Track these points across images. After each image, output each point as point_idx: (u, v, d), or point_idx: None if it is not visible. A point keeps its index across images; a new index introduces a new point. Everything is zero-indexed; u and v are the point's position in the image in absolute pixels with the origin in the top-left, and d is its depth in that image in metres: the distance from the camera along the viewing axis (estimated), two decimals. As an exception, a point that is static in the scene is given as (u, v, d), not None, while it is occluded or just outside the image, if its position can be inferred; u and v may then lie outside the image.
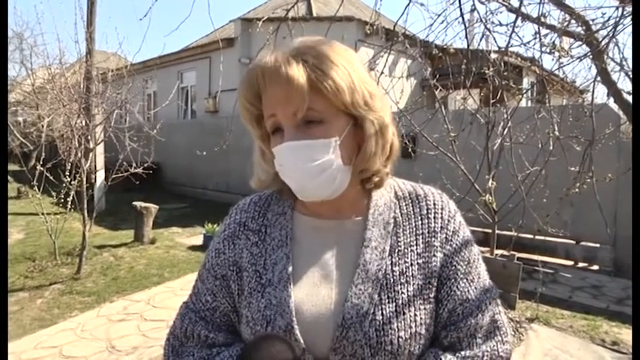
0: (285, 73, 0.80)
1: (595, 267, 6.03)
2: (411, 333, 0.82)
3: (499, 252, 4.76)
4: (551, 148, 4.13)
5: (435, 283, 0.88)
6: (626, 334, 3.96)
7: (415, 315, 0.84)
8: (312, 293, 0.87)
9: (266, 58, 0.84)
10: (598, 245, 6.03)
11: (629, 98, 2.54)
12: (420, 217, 0.93)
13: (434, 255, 0.89)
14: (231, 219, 1.01)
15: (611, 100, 2.93)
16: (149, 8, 3.05)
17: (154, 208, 7.14)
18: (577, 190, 3.66)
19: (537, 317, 4.27)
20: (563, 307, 4.61)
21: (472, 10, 3.51)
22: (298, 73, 0.80)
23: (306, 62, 0.81)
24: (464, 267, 0.90)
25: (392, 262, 0.87)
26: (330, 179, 0.84)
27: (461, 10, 3.29)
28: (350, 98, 0.83)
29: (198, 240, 7.17)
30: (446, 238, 0.91)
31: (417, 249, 0.89)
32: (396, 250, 0.89)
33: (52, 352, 3.70)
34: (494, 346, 0.87)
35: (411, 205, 0.95)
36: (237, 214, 1.00)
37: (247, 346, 0.83)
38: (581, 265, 6.16)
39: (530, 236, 5.87)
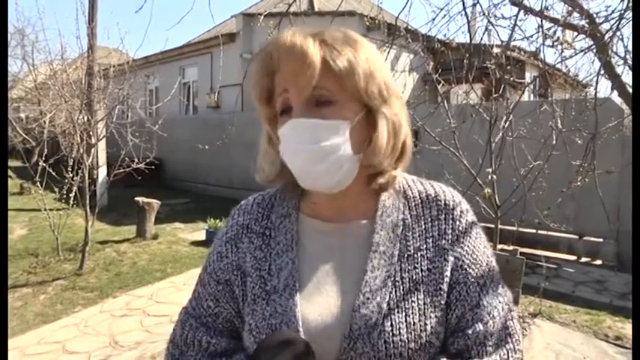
0: (299, 47, 0.78)
1: (598, 262, 6.01)
2: (421, 344, 0.78)
3: (501, 247, 4.75)
4: (554, 142, 4.11)
5: (446, 289, 0.83)
6: (629, 328, 3.95)
7: (425, 324, 0.79)
8: (318, 302, 0.82)
9: (285, 35, 0.81)
10: (601, 240, 6.01)
11: (633, 92, 2.52)
12: (430, 219, 0.88)
13: (445, 259, 0.84)
14: (233, 220, 0.97)
15: (615, 93, 2.90)
16: (145, 1, 3.04)
17: (156, 203, 7.15)
18: (579, 183, 3.65)
19: (540, 312, 4.27)
20: (567, 302, 4.60)
21: (474, 4, 3.48)
22: (313, 49, 0.78)
23: (324, 42, 0.80)
24: (475, 270, 0.85)
25: (401, 268, 0.83)
26: (335, 165, 0.79)
27: (463, 3, 3.27)
28: (365, 85, 0.81)
29: (201, 235, 7.18)
30: (457, 239, 0.86)
31: (427, 253, 0.84)
32: (406, 255, 0.84)
33: (55, 348, 3.71)
34: (504, 354, 0.82)
35: (420, 205, 0.89)
36: (240, 215, 0.96)
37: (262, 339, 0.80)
38: (584, 259, 6.14)
39: (533, 231, 5.86)
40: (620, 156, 5.12)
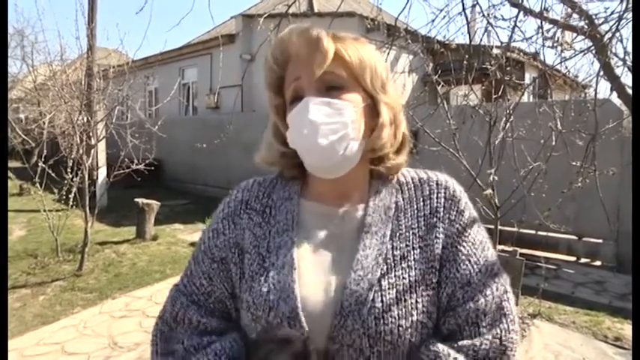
0: (314, 36, 0.84)
1: (597, 263, 6.01)
2: (412, 321, 0.79)
3: (501, 247, 4.75)
4: (553, 143, 4.11)
5: (438, 267, 0.84)
6: (628, 329, 3.95)
7: (417, 302, 0.80)
8: (313, 280, 0.84)
9: (300, 27, 0.87)
10: (601, 241, 6.01)
11: (633, 93, 2.52)
12: (422, 199, 0.91)
13: (436, 237, 0.86)
14: (231, 197, 0.99)
15: (614, 95, 2.90)
16: (145, 2, 3.05)
17: (155, 204, 7.14)
18: (579, 184, 3.65)
19: (540, 313, 4.27)
20: (566, 303, 4.60)
21: (474, 5, 3.48)
22: (327, 40, 0.85)
23: (336, 37, 0.88)
24: (467, 248, 0.86)
25: (392, 246, 0.85)
26: (342, 143, 0.83)
27: (463, 4, 3.27)
28: (370, 78, 0.88)
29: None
30: (449, 218, 0.88)
31: (418, 232, 0.87)
32: (397, 234, 0.86)
33: (54, 349, 3.71)
34: (497, 333, 0.80)
35: (413, 188, 0.93)
36: (240, 192, 0.99)
37: (261, 331, 0.80)
38: (583, 260, 6.14)
39: (533, 232, 5.86)
40: (620, 157, 5.13)
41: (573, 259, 6.19)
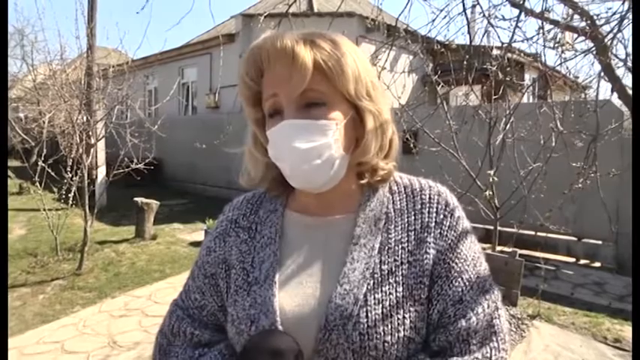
0: (291, 50, 0.78)
1: (597, 264, 6.01)
2: (398, 337, 0.77)
3: (500, 248, 4.75)
4: (553, 144, 4.12)
5: (427, 283, 0.81)
6: (628, 331, 3.95)
7: (404, 318, 0.78)
8: (297, 293, 0.83)
9: (273, 36, 0.81)
10: (600, 242, 6.01)
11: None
12: (413, 213, 0.88)
13: (426, 252, 0.83)
14: (223, 216, 1.00)
15: (615, 96, 2.90)
16: (146, 1, 3.04)
17: (155, 204, 7.14)
18: (580, 185, 3.65)
19: (539, 314, 4.27)
20: (565, 304, 4.60)
21: (474, 5, 3.49)
22: (305, 52, 0.79)
23: (314, 45, 0.81)
24: (459, 265, 0.83)
25: (381, 260, 0.82)
26: (327, 165, 0.81)
27: (463, 5, 3.27)
28: (354, 87, 0.82)
29: (200, 236, 7.17)
30: (440, 233, 0.85)
31: (408, 246, 0.84)
32: (386, 248, 0.84)
33: (54, 347, 3.71)
34: (487, 352, 0.79)
35: (405, 199, 0.90)
36: (230, 211, 1.00)
37: (252, 338, 0.80)
38: (583, 262, 6.14)
39: (532, 233, 5.86)
40: (619, 158, 5.13)
41: (573, 260, 6.20)
